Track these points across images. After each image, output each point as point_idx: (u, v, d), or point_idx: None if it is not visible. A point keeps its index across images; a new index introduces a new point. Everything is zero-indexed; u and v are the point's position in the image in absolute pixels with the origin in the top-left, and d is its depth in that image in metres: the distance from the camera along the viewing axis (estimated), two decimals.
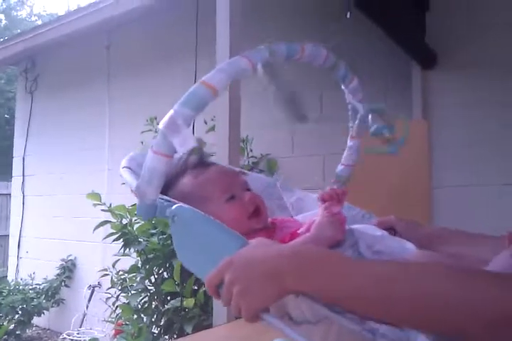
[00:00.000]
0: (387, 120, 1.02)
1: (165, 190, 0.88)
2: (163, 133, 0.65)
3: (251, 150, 3.24)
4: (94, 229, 2.72)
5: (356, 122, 1.03)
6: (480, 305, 0.54)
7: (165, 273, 2.66)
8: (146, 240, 2.62)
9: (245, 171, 1.18)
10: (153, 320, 2.61)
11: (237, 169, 1.21)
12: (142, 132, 2.96)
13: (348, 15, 2.05)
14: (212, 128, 2.75)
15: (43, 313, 4.63)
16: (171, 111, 0.65)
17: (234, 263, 0.64)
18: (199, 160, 0.99)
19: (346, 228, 0.85)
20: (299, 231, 0.83)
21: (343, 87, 0.97)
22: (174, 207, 0.74)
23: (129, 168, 0.91)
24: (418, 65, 2.83)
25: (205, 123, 2.87)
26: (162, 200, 0.76)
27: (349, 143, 1.09)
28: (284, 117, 0.83)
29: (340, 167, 1.11)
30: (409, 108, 2.88)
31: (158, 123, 0.68)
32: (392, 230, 0.93)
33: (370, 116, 1.02)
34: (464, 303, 0.55)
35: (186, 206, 0.75)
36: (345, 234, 0.82)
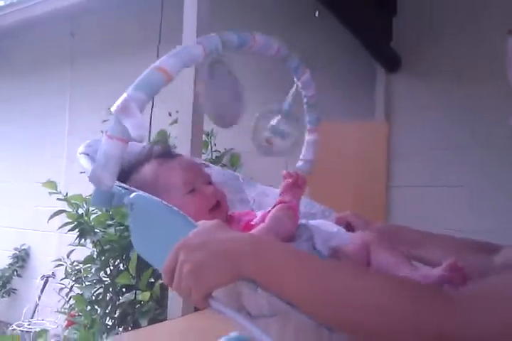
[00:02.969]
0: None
1: (125, 177, 0.87)
2: (116, 117, 0.64)
3: (215, 145, 3.23)
4: (49, 219, 2.66)
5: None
6: (420, 322, 0.53)
7: (121, 265, 2.63)
8: (103, 231, 2.58)
9: (208, 163, 1.16)
10: (107, 311, 2.58)
11: (200, 161, 1.20)
12: (104, 121, 2.90)
13: (317, 14, 2.07)
14: (176, 121, 2.73)
15: None
16: (124, 95, 0.65)
17: (188, 244, 0.62)
18: (164, 150, 0.98)
19: (301, 221, 0.85)
20: (252, 223, 0.83)
21: (295, 78, 0.98)
22: (132, 195, 0.72)
23: (87, 154, 0.88)
24: (382, 68, 2.88)
25: (170, 115, 2.84)
26: (120, 188, 0.74)
27: (307, 137, 1.10)
28: (208, 116, 0.83)
29: (300, 162, 1.11)
30: (372, 110, 2.94)
31: None
32: (349, 227, 0.94)
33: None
34: (406, 318, 0.55)
35: (145, 194, 0.73)
36: (297, 224, 0.82)
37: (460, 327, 0.52)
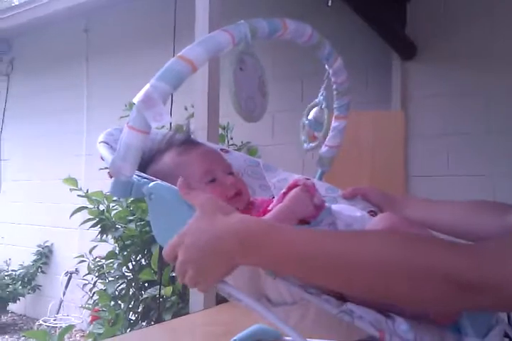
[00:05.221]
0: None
1: (145, 165, 0.86)
2: (138, 108, 0.62)
3: (231, 138, 3.23)
4: (70, 215, 2.69)
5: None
6: (435, 273, 0.55)
7: (143, 260, 2.65)
8: (124, 226, 2.60)
9: (228, 149, 1.15)
10: (130, 306, 2.61)
11: (221, 146, 1.19)
12: (121, 117, 2.92)
13: (330, 3, 2.05)
14: (192, 115, 2.74)
15: (19, 299, 4.58)
16: (147, 86, 0.63)
17: (184, 242, 0.63)
18: (185, 139, 0.97)
19: (325, 206, 0.84)
20: (269, 208, 0.82)
21: (326, 66, 0.96)
22: (151, 184, 0.71)
23: (106, 143, 0.86)
24: (398, 55, 2.85)
25: (186, 109, 2.85)
26: (139, 177, 0.73)
27: (334, 123, 1.08)
28: (236, 110, 0.80)
29: (324, 148, 1.10)
30: (388, 98, 2.90)
31: None
32: (372, 212, 0.94)
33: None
34: (420, 271, 0.56)
35: (164, 183, 0.72)
36: (315, 206, 0.82)
37: (476, 274, 0.54)
